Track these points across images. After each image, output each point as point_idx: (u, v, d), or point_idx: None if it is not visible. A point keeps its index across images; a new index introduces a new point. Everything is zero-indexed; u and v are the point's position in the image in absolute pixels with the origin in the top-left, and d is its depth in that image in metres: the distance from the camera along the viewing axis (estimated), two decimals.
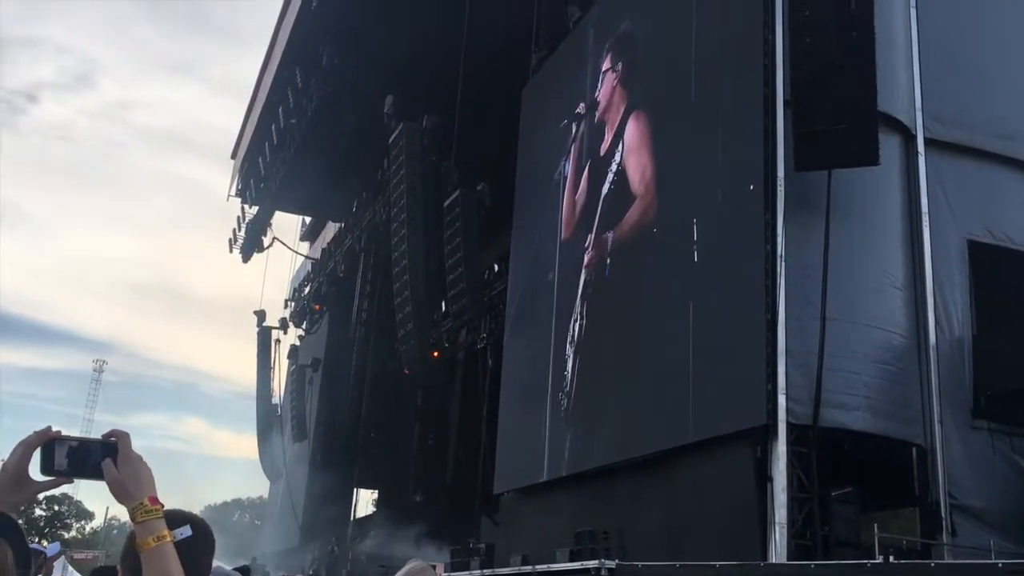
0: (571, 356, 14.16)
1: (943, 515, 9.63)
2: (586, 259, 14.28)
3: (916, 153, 10.93)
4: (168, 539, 1.73)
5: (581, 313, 14.13)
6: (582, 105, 15.33)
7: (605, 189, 14.06)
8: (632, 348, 12.42)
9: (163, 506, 1.77)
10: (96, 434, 1.86)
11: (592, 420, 13.14)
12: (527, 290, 16.51)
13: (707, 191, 11.22)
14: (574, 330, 14.23)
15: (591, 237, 14.25)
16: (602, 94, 14.75)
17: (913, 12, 11.36)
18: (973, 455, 10.13)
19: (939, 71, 11.32)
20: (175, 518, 2.15)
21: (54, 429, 1.80)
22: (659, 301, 11.99)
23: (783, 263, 9.65)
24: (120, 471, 1.75)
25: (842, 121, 9.57)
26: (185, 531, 1.93)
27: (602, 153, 14.48)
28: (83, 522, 70.75)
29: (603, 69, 14.78)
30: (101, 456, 1.77)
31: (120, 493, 1.75)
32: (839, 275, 9.71)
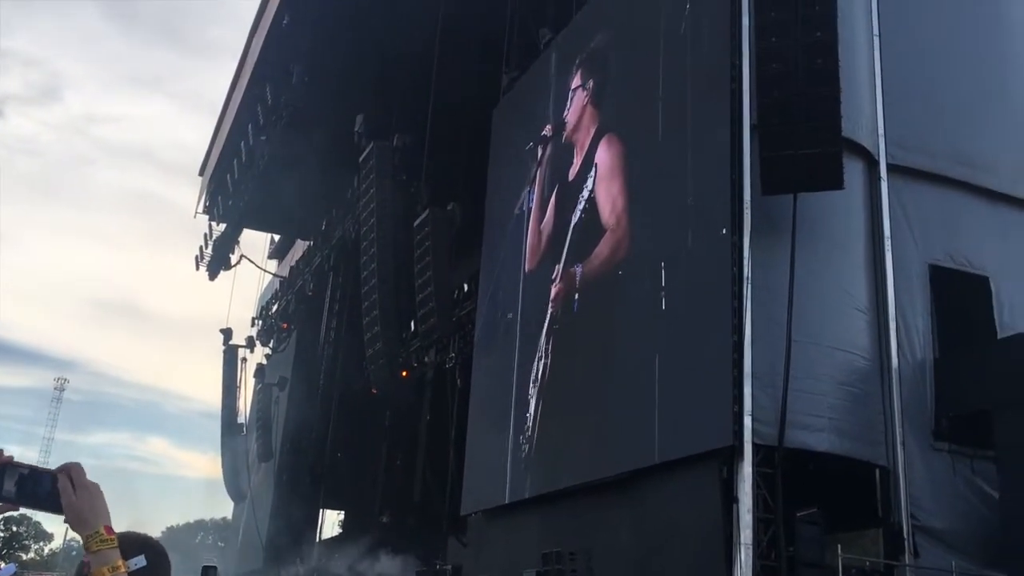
0: (534, 396, 13.94)
1: (906, 536, 9.73)
2: (553, 292, 14.15)
3: (879, 178, 11.13)
4: (122, 570, 1.71)
5: (546, 351, 13.94)
6: (548, 127, 15.39)
7: (575, 218, 13.96)
8: (598, 371, 12.43)
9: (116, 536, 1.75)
10: (55, 453, 1.85)
11: (556, 448, 13.10)
12: (491, 319, 16.49)
13: (678, 228, 11.23)
14: (538, 369, 14.04)
15: (559, 268, 14.11)
16: (571, 113, 14.78)
17: (876, 40, 11.60)
18: (935, 477, 10.26)
19: (902, 98, 11.55)
20: (130, 541, 2.12)
21: (7, 454, 1.77)
22: (627, 329, 11.99)
23: (749, 285, 9.75)
24: (77, 498, 1.73)
25: (807, 146, 9.72)
26: (140, 561, 1.90)
27: (571, 178, 14.45)
28: (41, 543, 69.43)
29: (572, 87, 14.84)
30: (51, 486, 1.75)
31: (75, 520, 1.72)
32: (804, 298, 9.84)
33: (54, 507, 1.76)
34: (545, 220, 15.06)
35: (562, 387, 13.35)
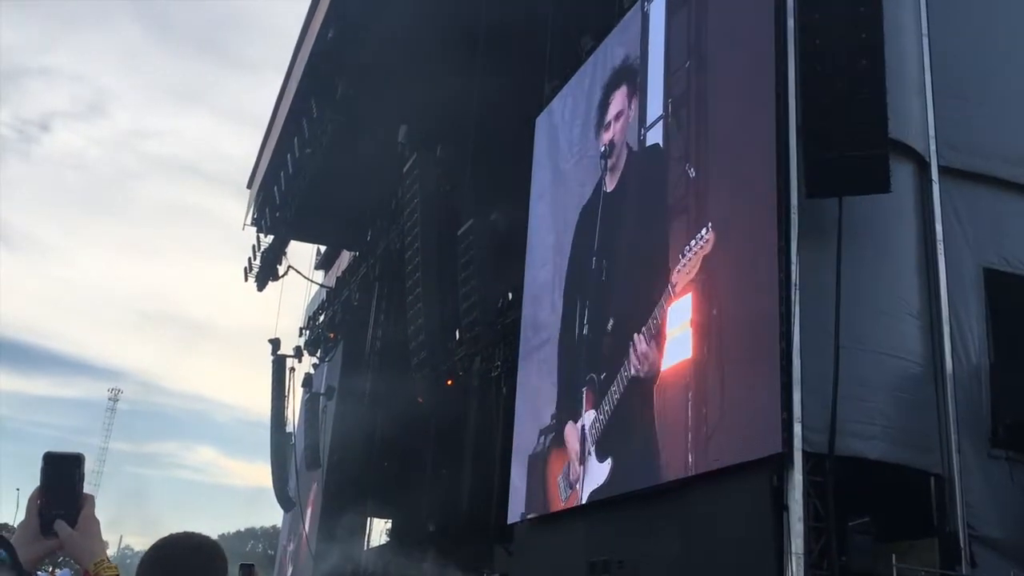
0: (592, 452, 13.40)
1: (962, 546, 9.50)
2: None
3: (930, 180, 10.91)
4: None
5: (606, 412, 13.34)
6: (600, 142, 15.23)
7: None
8: (655, 393, 12.22)
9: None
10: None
11: (604, 458, 13.01)
12: (530, 337, 16.46)
13: (732, 237, 11.12)
14: (594, 427, 13.47)
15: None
16: (616, 133, 14.58)
17: (926, 41, 11.39)
18: (992, 485, 10.01)
19: (953, 100, 11.32)
20: (187, 542, 2.16)
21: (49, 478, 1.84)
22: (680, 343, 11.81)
23: (797, 291, 9.62)
24: (91, 529, 1.83)
25: (853, 148, 9.57)
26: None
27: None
28: None
29: (616, 100, 14.67)
30: (75, 491, 1.85)
31: (86, 541, 1.83)
32: (854, 303, 9.67)
33: (70, 510, 1.82)
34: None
35: (616, 420, 13.16)
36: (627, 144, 14.20)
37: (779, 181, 10.08)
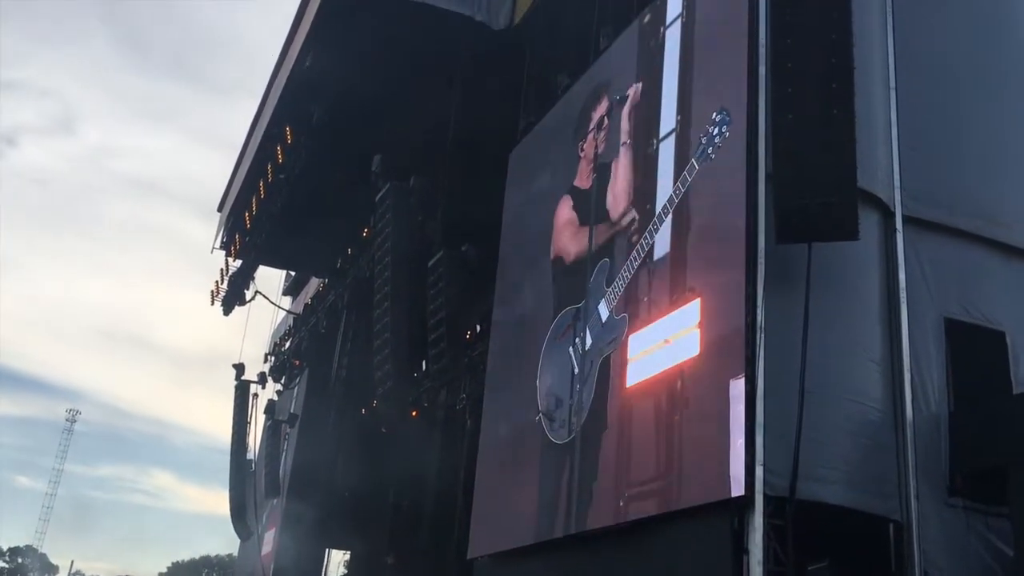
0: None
1: None
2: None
3: (895, 230, 11.10)
4: None
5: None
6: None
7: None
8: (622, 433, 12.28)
9: None
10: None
11: (566, 496, 12.99)
12: (503, 364, 16.44)
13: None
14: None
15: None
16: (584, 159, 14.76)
17: (893, 93, 11.65)
18: (949, 533, 10.09)
19: (919, 151, 11.56)
20: None
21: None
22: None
23: (763, 335, 9.69)
24: None
25: (822, 196, 9.71)
26: None
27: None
28: (47, 575, 69.11)
29: (588, 143, 14.82)
30: None
31: None
32: (817, 348, 9.76)
33: None
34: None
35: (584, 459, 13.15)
36: (599, 171, 14.31)
37: (748, 226, 10.20)
